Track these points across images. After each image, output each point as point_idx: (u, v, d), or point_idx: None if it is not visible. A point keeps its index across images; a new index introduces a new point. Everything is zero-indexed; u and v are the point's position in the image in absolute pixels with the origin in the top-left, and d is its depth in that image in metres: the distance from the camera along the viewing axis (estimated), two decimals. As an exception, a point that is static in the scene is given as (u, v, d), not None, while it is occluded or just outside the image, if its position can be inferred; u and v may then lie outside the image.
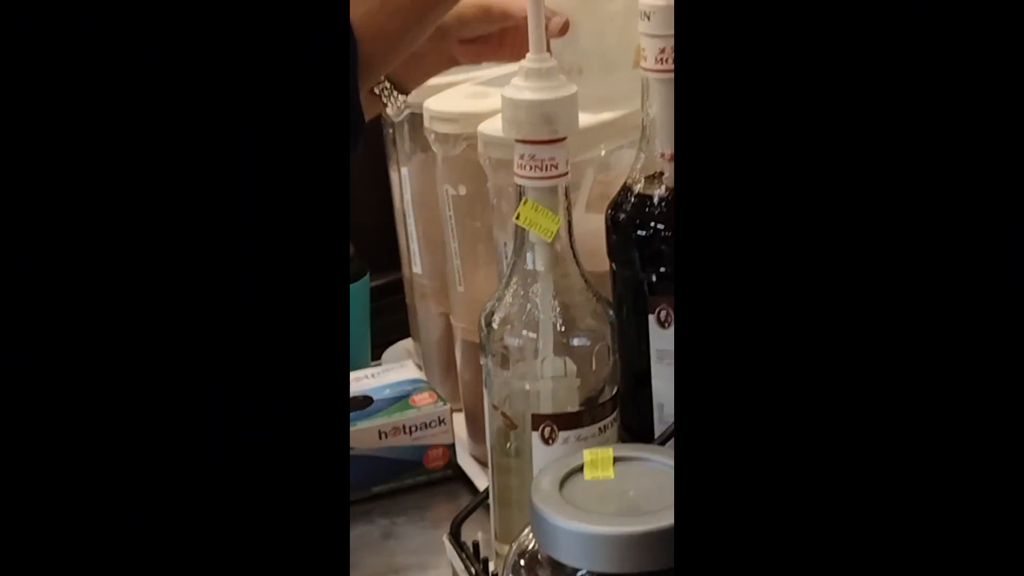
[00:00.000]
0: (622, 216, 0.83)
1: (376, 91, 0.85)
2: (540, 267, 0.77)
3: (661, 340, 0.82)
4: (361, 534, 0.94)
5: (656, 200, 0.82)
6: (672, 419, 0.83)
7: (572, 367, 0.78)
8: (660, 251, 0.81)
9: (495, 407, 0.80)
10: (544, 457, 0.77)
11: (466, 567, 0.84)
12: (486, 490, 0.84)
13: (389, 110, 0.87)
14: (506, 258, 0.88)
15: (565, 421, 0.78)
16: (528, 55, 0.76)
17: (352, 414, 0.97)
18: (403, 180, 1.07)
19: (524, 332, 0.77)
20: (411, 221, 1.07)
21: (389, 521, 0.96)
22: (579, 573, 0.63)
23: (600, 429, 0.78)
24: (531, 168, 0.76)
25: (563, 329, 0.77)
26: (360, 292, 1.11)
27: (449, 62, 0.87)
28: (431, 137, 0.97)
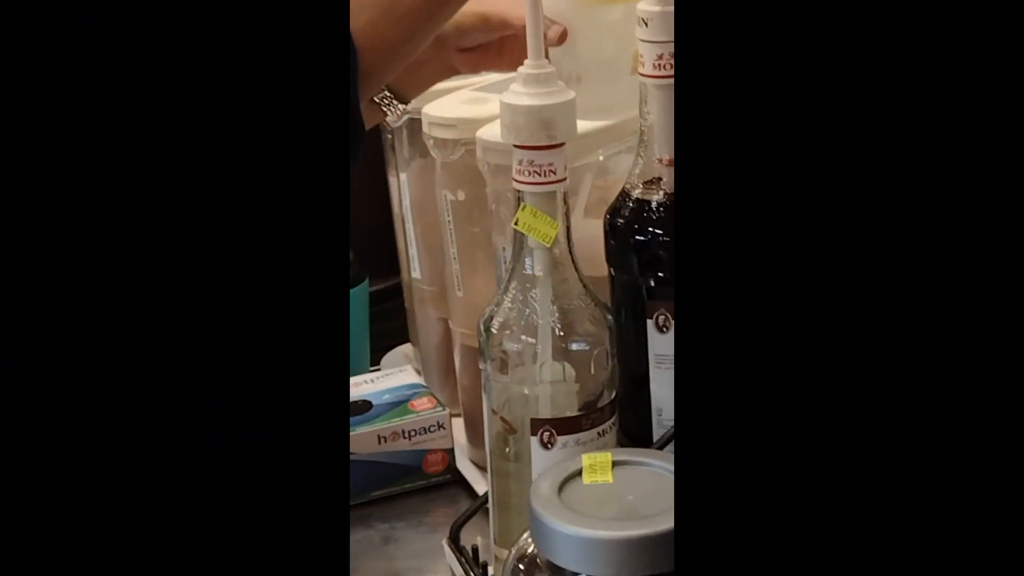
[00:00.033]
0: (620, 221, 0.83)
1: (376, 100, 0.86)
2: (539, 272, 0.77)
3: (659, 345, 0.83)
4: (360, 539, 0.94)
5: (654, 205, 0.82)
6: (670, 423, 0.83)
7: (571, 372, 0.78)
8: (658, 256, 0.82)
9: (494, 412, 0.80)
10: (543, 461, 0.77)
11: (465, 571, 0.84)
12: (485, 494, 0.84)
13: (389, 118, 0.87)
14: (505, 263, 0.88)
15: (564, 426, 0.78)
16: (526, 61, 0.76)
17: (351, 419, 0.98)
18: (402, 185, 1.07)
19: (523, 337, 0.78)
20: (410, 226, 1.07)
21: (388, 526, 0.96)
22: (578, 577, 0.64)
23: (599, 433, 0.78)
24: (530, 174, 0.76)
25: (562, 334, 0.78)
26: (359, 297, 1.11)
27: (448, 71, 0.87)
28: (430, 142, 0.97)
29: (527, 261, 0.77)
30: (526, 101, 0.75)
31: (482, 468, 0.96)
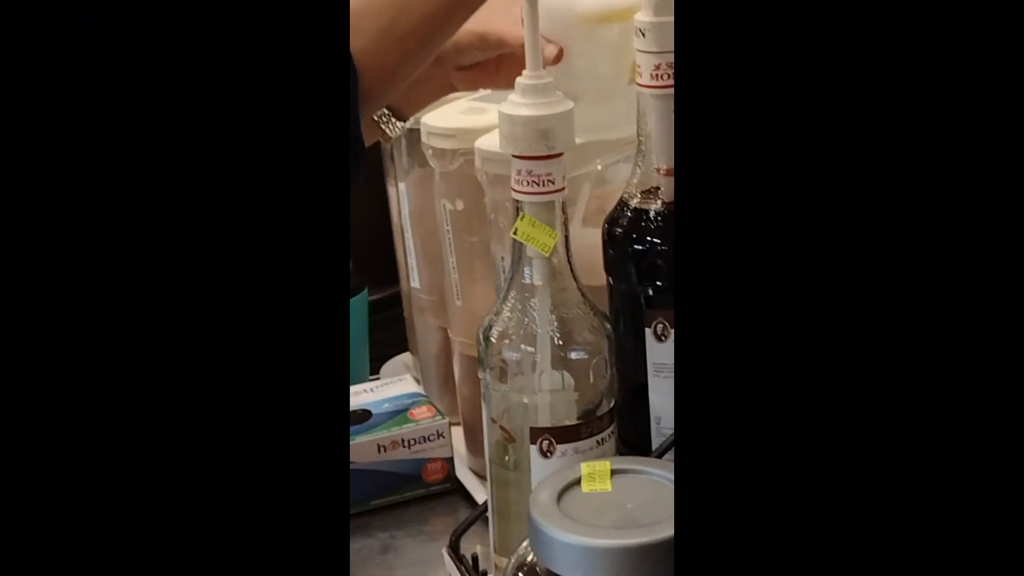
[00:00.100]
0: (618, 231, 0.83)
1: (375, 117, 0.86)
2: (538, 281, 0.78)
3: (658, 353, 0.83)
4: (360, 548, 0.94)
5: (652, 214, 0.82)
6: (669, 432, 0.83)
7: (570, 380, 0.78)
8: (656, 265, 0.82)
9: (493, 420, 0.80)
10: (542, 470, 0.77)
11: (465, 580, 0.84)
12: (485, 503, 0.84)
13: (387, 135, 0.88)
14: (504, 272, 0.88)
15: (563, 434, 0.78)
16: (524, 72, 0.76)
17: (351, 428, 0.98)
18: (401, 195, 1.07)
19: (522, 346, 0.78)
20: (409, 236, 1.07)
21: (388, 535, 0.96)
22: (577, 585, 0.64)
23: (598, 442, 0.79)
24: (528, 183, 0.76)
25: (561, 343, 0.78)
26: (358, 306, 1.11)
27: (446, 88, 0.88)
28: (428, 152, 0.97)
29: (526, 270, 0.78)
30: (524, 112, 0.76)
31: (481, 477, 0.96)
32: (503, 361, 0.78)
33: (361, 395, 1.03)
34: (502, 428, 0.80)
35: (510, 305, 0.78)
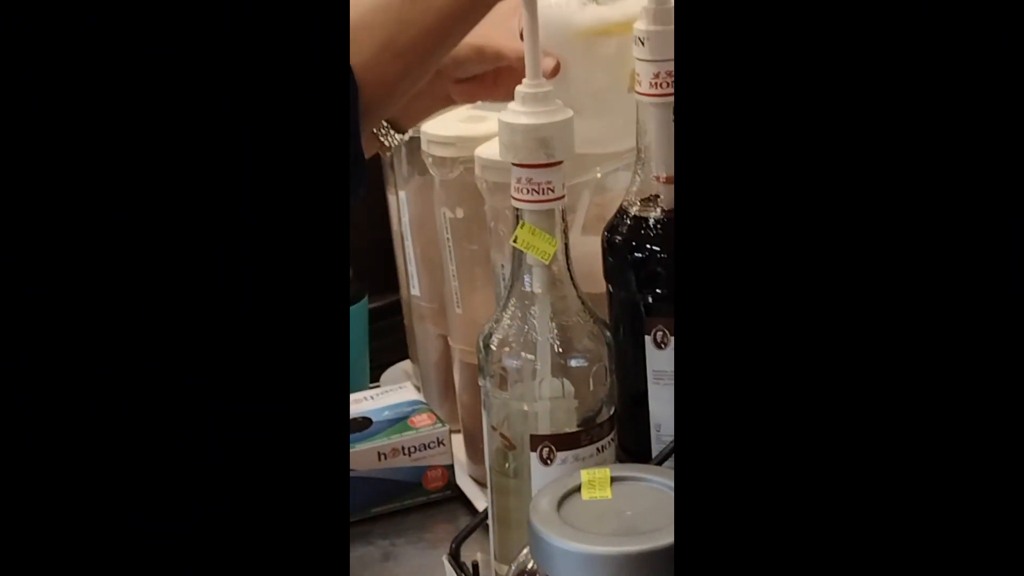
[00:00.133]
0: (618, 238, 0.84)
1: (373, 130, 0.86)
2: (538, 289, 0.78)
3: (658, 361, 0.83)
4: (361, 555, 0.95)
5: (652, 222, 0.83)
6: (669, 439, 0.83)
7: (570, 388, 0.79)
8: (656, 273, 0.82)
9: (494, 428, 0.80)
10: (543, 477, 0.77)
11: (465, 587, 0.85)
12: (485, 511, 0.85)
13: (386, 146, 0.88)
14: (504, 280, 0.88)
15: (563, 441, 0.78)
16: (524, 80, 0.76)
17: (351, 436, 0.98)
18: (401, 203, 1.07)
19: (522, 353, 0.78)
20: (409, 244, 1.07)
21: (388, 542, 0.96)
22: (578, 592, 0.64)
23: (598, 449, 0.79)
24: (528, 191, 0.76)
25: (560, 350, 0.78)
26: (359, 314, 1.11)
27: (445, 101, 0.88)
28: (428, 161, 0.98)
29: (526, 278, 0.78)
30: (524, 120, 0.76)
31: (482, 484, 0.96)
32: (503, 369, 0.79)
33: (361, 403, 1.03)
34: (502, 435, 0.80)
35: (510, 313, 0.79)
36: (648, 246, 0.82)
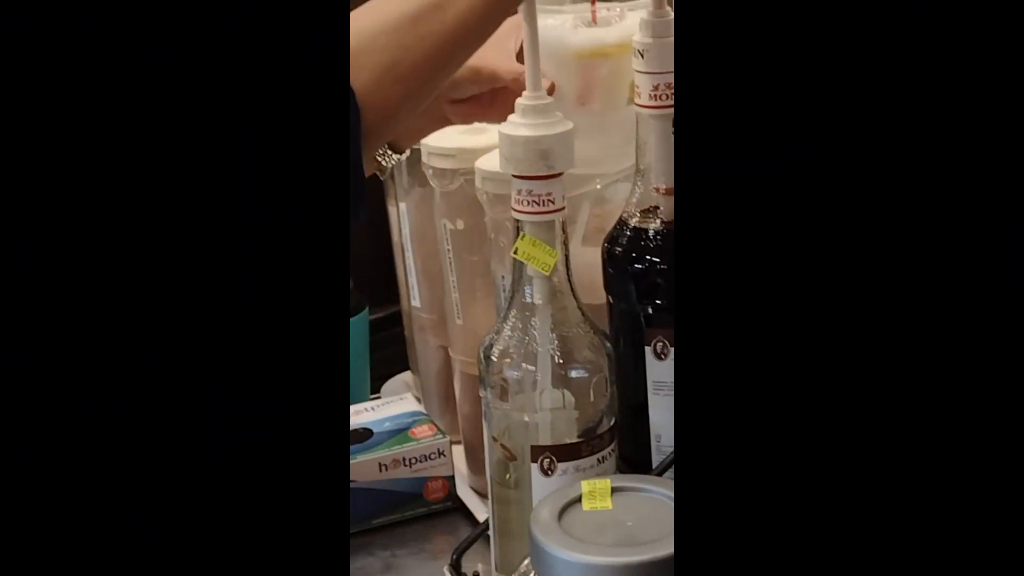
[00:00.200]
0: (618, 250, 0.84)
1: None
2: (538, 300, 0.78)
3: (658, 371, 0.83)
4: (361, 566, 0.95)
5: (651, 233, 0.83)
6: (669, 450, 0.83)
7: (570, 399, 0.79)
8: (656, 284, 0.82)
9: (495, 439, 0.80)
10: (543, 488, 0.78)
11: (466, 598, 0.85)
12: (486, 521, 0.85)
13: (383, 166, 0.88)
14: (504, 291, 0.89)
15: (564, 452, 0.78)
16: (525, 92, 0.77)
17: (352, 447, 0.98)
18: (401, 215, 1.08)
19: (523, 364, 0.78)
20: (410, 255, 1.08)
21: (389, 553, 0.96)
22: (579, 603, 0.64)
23: (598, 460, 0.79)
24: (528, 203, 0.77)
25: (561, 361, 0.78)
26: (359, 325, 1.11)
27: (441, 121, 0.88)
28: (429, 172, 0.98)
29: (526, 289, 0.78)
30: (524, 132, 0.76)
31: (482, 495, 0.96)
32: (504, 380, 0.79)
33: (362, 414, 1.03)
34: (503, 446, 0.80)
35: (511, 324, 0.79)
36: (648, 257, 0.82)
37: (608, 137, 0.87)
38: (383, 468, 0.98)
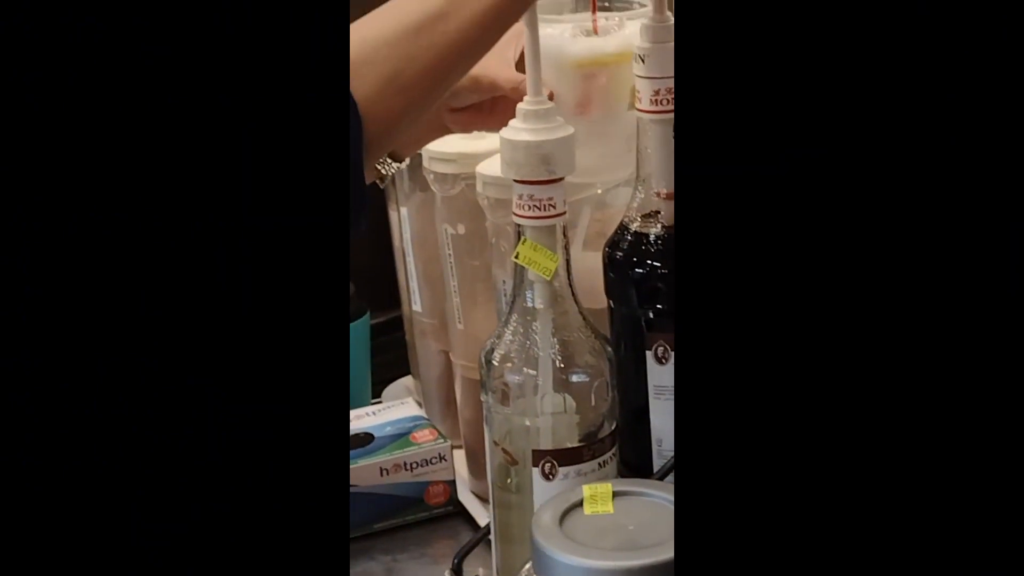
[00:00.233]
0: (619, 254, 0.84)
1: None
2: (539, 305, 0.78)
3: (659, 376, 0.83)
4: (363, 571, 0.95)
5: (652, 238, 0.83)
6: (670, 454, 0.84)
7: (571, 403, 0.79)
8: (657, 288, 0.82)
9: (496, 443, 0.80)
10: (545, 492, 0.78)
11: (468, 602, 0.85)
12: (487, 526, 0.85)
13: (383, 174, 0.88)
14: (505, 296, 0.89)
15: (565, 457, 0.78)
16: (526, 97, 0.77)
17: (353, 451, 0.98)
18: (402, 220, 1.08)
19: (524, 369, 0.78)
20: (411, 260, 1.08)
21: (390, 558, 0.96)
22: (580, 607, 0.64)
23: (599, 464, 0.79)
24: (529, 208, 0.77)
25: (562, 366, 0.78)
26: (360, 330, 1.11)
27: (441, 130, 0.88)
28: (430, 177, 0.98)
29: (527, 294, 0.78)
30: (525, 137, 0.76)
31: (483, 500, 0.96)
32: (505, 384, 0.79)
33: (363, 418, 1.03)
34: (504, 451, 0.80)
35: (512, 328, 0.79)
36: (649, 262, 0.83)
37: (606, 147, 0.87)
38: (384, 472, 0.98)
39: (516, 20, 0.74)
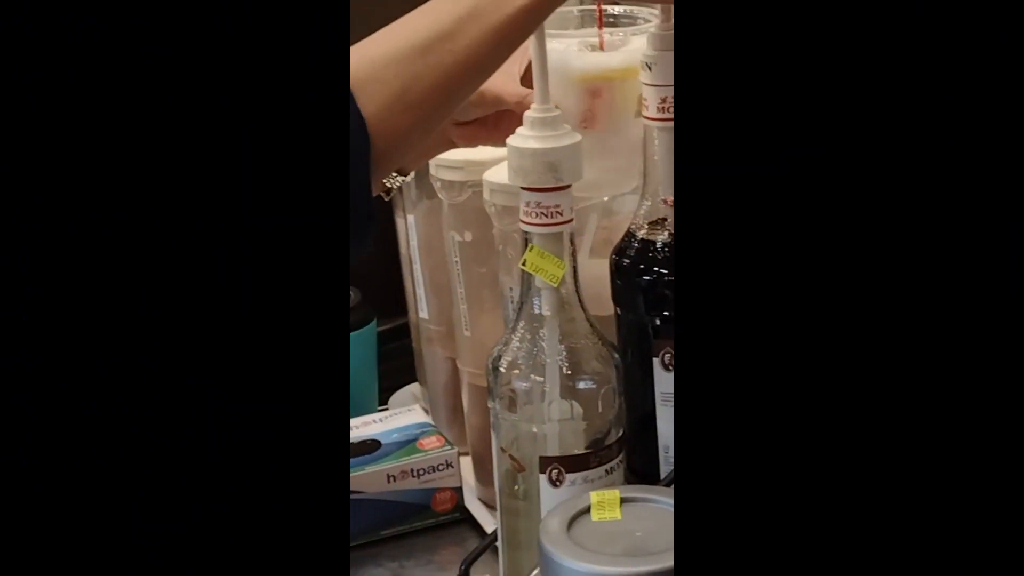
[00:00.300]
0: (626, 261, 0.84)
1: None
2: (546, 312, 0.78)
3: (665, 383, 0.83)
4: (370, 577, 0.95)
5: (659, 245, 0.83)
6: (677, 461, 0.84)
7: (578, 410, 0.79)
8: (664, 295, 0.83)
9: (503, 450, 0.81)
10: (552, 499, 0.78)
11: (475, 609, 0.85)
12: (494, 532, 0.85)
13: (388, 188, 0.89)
14: (512, 303, 0.89)
15: (572, 463, 0.78)
16: (533, 105, 0.77)
17: (360, 458, 0.98)
18: (409, 227, 1.08)
19: (531, 376, 0.79)
20: (417, 267, 1.08)
21: (397, 564, 0.96)
22: (588, 613, 0.64)
23: (607, 471, 0.79)
24: (536, 215, 0.77)
25: (569, 372, 0.79)
26: (367, 337, 1.12)
27: (446, 144, 0.89)
28: (437, 184, 0.98)
29: (534, 301, 0.78)
30: (533, 144, 0.77)
31: (490, 507, 0.96)
32: (512, 391, 0.79)
33: (370, 425, 1.03)
34: (511, 457, 0.80)
35: (519, 335, 0.79)
36: (656, 269, 0.83)
37: (611, 161, 0.87)
38: (391, 479, 0.98)
39: (523, 40, 0.74)
